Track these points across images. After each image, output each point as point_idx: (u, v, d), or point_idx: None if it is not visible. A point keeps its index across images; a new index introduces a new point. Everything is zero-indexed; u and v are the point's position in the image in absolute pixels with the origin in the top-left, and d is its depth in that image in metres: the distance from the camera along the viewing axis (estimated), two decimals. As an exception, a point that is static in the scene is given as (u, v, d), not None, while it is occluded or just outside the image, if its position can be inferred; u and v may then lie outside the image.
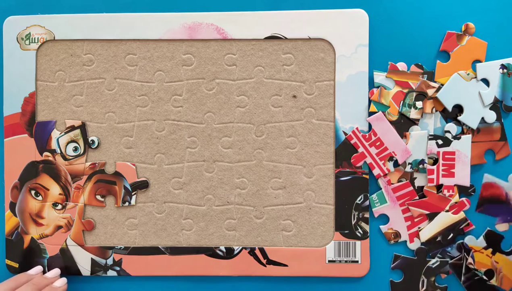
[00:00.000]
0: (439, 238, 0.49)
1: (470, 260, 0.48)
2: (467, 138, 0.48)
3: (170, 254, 0.50)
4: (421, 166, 0.48)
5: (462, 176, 0.48)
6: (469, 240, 0.49)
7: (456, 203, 0.49)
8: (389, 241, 0.49)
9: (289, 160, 0.50)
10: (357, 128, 0.49)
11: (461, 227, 0.49)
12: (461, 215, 0.49)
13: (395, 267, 0.50)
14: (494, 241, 0.49)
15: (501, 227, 0.49)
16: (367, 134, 0.49)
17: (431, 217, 0.49)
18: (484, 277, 0.48)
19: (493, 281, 0.48)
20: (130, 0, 0.50)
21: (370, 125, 0.49)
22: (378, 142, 0.48)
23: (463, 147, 0.48)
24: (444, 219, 0.49)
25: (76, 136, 0.50)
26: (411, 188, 0.49)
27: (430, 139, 0.48)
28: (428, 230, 0.49)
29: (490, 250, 0.49)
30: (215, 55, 0.50)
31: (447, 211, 0.49)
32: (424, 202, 0.49)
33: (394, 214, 0.49)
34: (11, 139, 0.50)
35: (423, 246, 0.49)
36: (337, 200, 0.49)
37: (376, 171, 0.49)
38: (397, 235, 0.49)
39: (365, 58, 0.49)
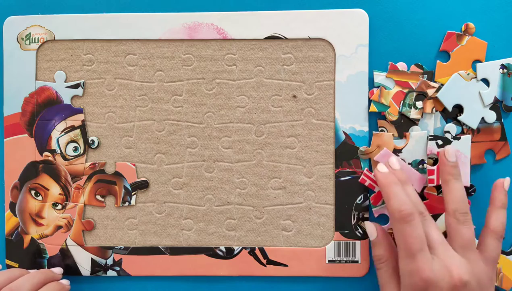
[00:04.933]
0: None
1: None
2: (467, 138, 0.48)
3: (170, 254, 0.50)
4: (420, 166, 0.48)
5: (462, 176, 0.48)
6: None
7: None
8: None
9: (289, 160, 0.50)
10: (367, 169, 0.48)
11: None
12: None
13: None
14: None
15: None
16: None
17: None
18: None
19: None
20: (130, 0, 0.50)
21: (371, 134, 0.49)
22: None
23: (463, 147, 0.48)
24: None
25: (76, 136, 0.50)
26: (411, 188, 0.49)
27: (430, 139, 0.48)
28: None
29: None
30: (215, 55, 0.50)
31: None
32: (425, 204, 0.48)
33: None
34: (11, 139, 0.50)
35: None
36: (337, 200, 0.49)
37: None
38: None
39: (365, 58, 0.49)
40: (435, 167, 0.48)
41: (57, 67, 0.50)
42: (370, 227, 0.46)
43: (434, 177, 0.48)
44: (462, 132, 0.49)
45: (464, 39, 0.49)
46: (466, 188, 0.49)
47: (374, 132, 0.49)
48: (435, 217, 0.49)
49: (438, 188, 0.49)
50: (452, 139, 0.48)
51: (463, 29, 0.49)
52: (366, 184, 0.49)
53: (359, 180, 0.49)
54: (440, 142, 0.48)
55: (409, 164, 0.49)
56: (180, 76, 0.50)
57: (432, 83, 0.49)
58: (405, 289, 0.41)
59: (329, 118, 0.49)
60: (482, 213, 0.49)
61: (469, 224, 0.43)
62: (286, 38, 0.49)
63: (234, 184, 0.50)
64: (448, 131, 0.48)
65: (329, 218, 0.50)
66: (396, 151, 0.49)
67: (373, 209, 0.49)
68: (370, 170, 0.49)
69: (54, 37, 0.50)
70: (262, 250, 0.50)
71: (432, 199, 0.48)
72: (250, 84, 0.50)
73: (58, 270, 0.49)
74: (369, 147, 0.49)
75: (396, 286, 0.43)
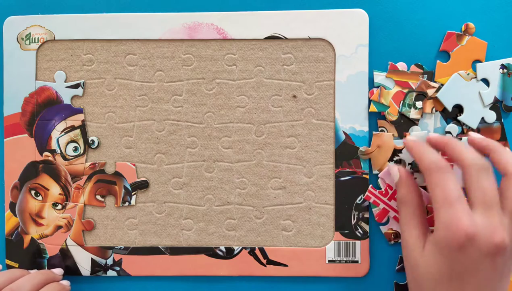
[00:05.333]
0: None
1: None
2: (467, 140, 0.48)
3: (170, 254, 0.50)
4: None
5: (461, 178, 0.48)
6: None
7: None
8: (389, 241, 0.49)
9: (289, 160, 0.50)
10: (372, 186, 0.49)
11: None
12: None
13: (400, 269, 0.49)
14: None
15: None
16: (383, 190, 0.49)
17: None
18: None
19: None
20: (130, 0, 0.50)
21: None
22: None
23: None
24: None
25: (76, 136, 0.50)
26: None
27: None
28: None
29: None
30: (215, 55, 0.50)
31: None
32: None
33: (394, 215, 0.49)
34: (11, 139, 0.50)
35: None
36: (337, 200, 0.49)
37: None
38: (397, 235, 0.49)
39: (365, 58, 0.49)
40: None
41: (57, 67, 0.50)
42: (393, 169, 0.45)
43: None
44: (462, 132, 0.49)
45: (464, 39, 0.49)
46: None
47: (374, 132, 0.49)
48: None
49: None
50: None
51: (463, 29, 0.49)
52: (371, 200, 0.49)
53: (364, 197, 0.49)
54: None
55: (408, 164, 0.49)
56: (180, 76, 0.50)
57: (432, 83, 0.49)
58: (438, 246, 0.38)
59: (329, 118, 0.49)
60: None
61: None
62: (286, 38, 0.49)
63: (234, 184, 0.50)
64: (449, 132, 0.48)
65: (329, 218, 0.50)
66: (396, 151, 0.49)
67: (373, 209, 0.49)
68: (369, 169, 0.49)
69: (54, 37, 0.50)
70: (262, 250, 0.50)
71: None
72: (250, 84, 0.50)
73: (59, 271, 0.49)
74: (369, 147, 0.49)
75: (416, 226, 0.41)
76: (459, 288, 0.38)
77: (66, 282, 0.48)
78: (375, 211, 0.49)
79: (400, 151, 0.49)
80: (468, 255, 0.37)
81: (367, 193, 0.49)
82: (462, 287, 0.38)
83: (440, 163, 0.40)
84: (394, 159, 0.49)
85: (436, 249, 0.39)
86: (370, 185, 0.49)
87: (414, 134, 0.48)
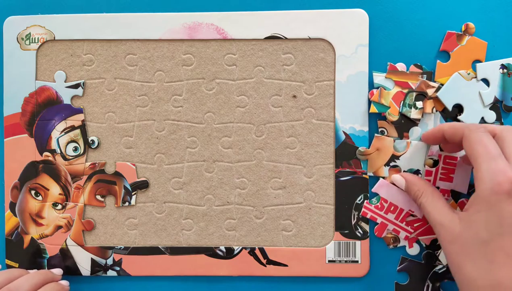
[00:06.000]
0: None
1: None
2: None
3: (170, 254, 0.50)
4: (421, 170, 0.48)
5: (460, 182, 0.48)
6: None
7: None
8: (388, 245, 0.49)
9: (289, 160, 0.50)
10: (367, 202, 0.49)
11: None
12: None
13: (401, 270, 0.49)
14: None
15: None
16: (378, 204, 0.49)
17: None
18: None
19: None
20: (130, 0, 0.50)
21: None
22: (392, 207, 0.48)
23: None
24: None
25: (76, 136, 0.50)
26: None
27: None
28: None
29: None
30: (215, 55, 0.50)
31: None
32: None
33: (393, 228, 0.49)
34: (11, 139, 0.50)
35: (430, 251, 0.49)
36: (337, 200, 0.49)
37: (402, 234, 0.49)
38: (396, 239, 0.49)
39: (365, 58, 0.49)
40: (433, 169, 0.48)
41: (57, 67, 0.50)
42: (396, 177, 0.48)
43: (431, 178, 0.48)
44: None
45: (464, 39, 0.49)
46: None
47: (376, 135, 0.49)
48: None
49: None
50: None
51: (463, 29, 0.49)
52: (368, 216, 0.49)
53: (360, 213, 0.49)
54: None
55: (404, 171, 0.49)
56: (180, 76, 0.50)
57: (431, 83, 0.49)
58: (484, 200, 0.38)
59: (329, 118, 0.49)
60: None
61: None
62: (286, 38, 0.49)
63: (234, 184, 0.50)
64: None
65: (329, 218, 0.50)
66: (394, 157, 0.49)
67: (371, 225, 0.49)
68: (367, 168, 0.49)
69: (54, 37, 0.50)
70: (262, 250, 0.50)
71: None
72: (250, 84, 0.50)
73: (58, 271, 0.49)
74: (369, 148, 0.49)
75: (444, 204, 0.43)
76: None
77: (65, 282, 0.48)
78: (374, 226, 0.49)
79: (398, 157, 0.49)
80: None
81: (363, 209, 0.49)
82: None
83: (472, 126, 0.41)
84: (391, 163, 0.49)
85: (481, 205, 0.39)
86: (366, 201, 0.49)
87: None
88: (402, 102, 0.49)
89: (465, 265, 0.39)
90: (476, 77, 0.48)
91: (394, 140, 0.49)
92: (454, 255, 0.40)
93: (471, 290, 0.39)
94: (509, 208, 0.37)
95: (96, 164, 0.50)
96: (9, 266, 0.50)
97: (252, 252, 0.50)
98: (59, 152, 0.50)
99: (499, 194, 0.38)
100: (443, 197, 0.44)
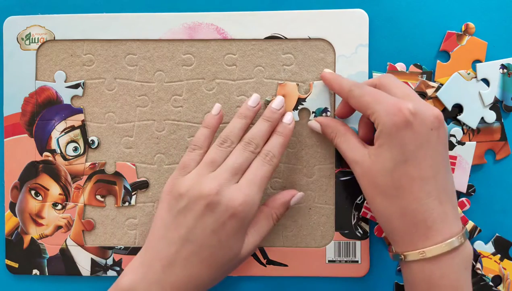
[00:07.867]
0: None
1: (478, 265, 0.48)
2: (471, 145, 0.48)
3: (170, 254, 0.50)
4: (324, 114, 0.49)
5: (459, 182, 0.48)
6: (478, 245, 0.49)
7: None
8: (388, 245, 0.49)
9: (289, 160, 0.50)
10: (367, 202, 0.48)
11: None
12: (470, 223, 0.49)
13: (401, 270, 0.49)
14: (502, 248, 0.48)
15: None
16: None
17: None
18: (491, 283, 0.48)
19: (500, 288, 0.48)
20: (130, 0, 0.50)
21: None
22: None
23: (466, 153, 0.48)
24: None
25: (76, 136, 0.50)
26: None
27: None
28: None
29: (499, 256, 0.48)
30: (215, 55, 0.50)
31: None
32: None
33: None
34: (11, 139, 0.50)
35: None
36: (337, 200, 0.49)
37: None
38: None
39: (365, 58, 0.49)
40: None
41: (57, 67, 0.50)
42: (312, 123, 0.48)
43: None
44: (462, 132, 0.49)
45: (464, 39, 0.49)
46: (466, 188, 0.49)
47: (279, 82, 0.49)
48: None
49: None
50: (456, 144, 0.48)
51: (463, 29, 0.49)
52: (368, 216, 0.49)
53: (360, 213, 0.49)
54: None
55: (313, 112, 0.49)
56: (180, 76, 0.50)
57: (431, 83, 0.49)
58: (385, 134, 0.40)
59: (329, 118, 0.49)
60: (482, 213, 0.49)
61: None
62: (286, 38, 0.49)
63: (234, 184, 0.50)
64: (454, 135, 0.48)
65: (329, 218, 0.50)
66: (300, 100, 0.49)
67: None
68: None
69: (54, 37, 0.50)
70: (262, 250, 0.50)
71: None
72: (250, 84, 0.50)
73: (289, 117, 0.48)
74: (275, 96, 0.49)
75: (356, 142, 0.44)
76: (416, 166, 0.39)
77: (289, 116, 0.47)
78: (374, 226, 0.49)
79: (304, 99, 0.49)
80: (416, 130, 0.39)
81: (363, 210, 0.49)
82: (418, 164, 0.39)
83: (354, 86, 0.44)
84: (299, 107, 0.49)
85: (384, 139, 0.40)
86: (366, 201, 0.49)
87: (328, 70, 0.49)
88: (402, 102, 0.49)
89: (377, 196, 0.41)
90: (476, 77, 0.49)
91: (298, 84, 0.49)
92: (366, 188, 0.42)
93: (384, 219, 0.41)
94: (409, 135, 0.39)
95: (96, 164, 0.50)
96: (9, 266, 0.50)
97: (252, 252, 0.50)
98: (59, 152, 0.50)
99: (397, 124, 0.39)
100: (355, 135, 0.45)
